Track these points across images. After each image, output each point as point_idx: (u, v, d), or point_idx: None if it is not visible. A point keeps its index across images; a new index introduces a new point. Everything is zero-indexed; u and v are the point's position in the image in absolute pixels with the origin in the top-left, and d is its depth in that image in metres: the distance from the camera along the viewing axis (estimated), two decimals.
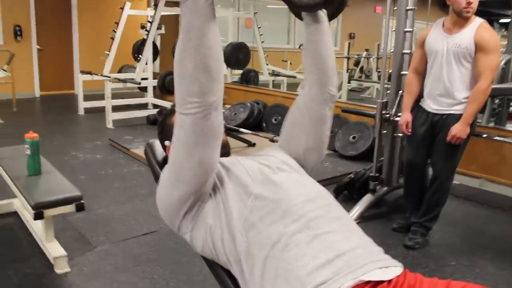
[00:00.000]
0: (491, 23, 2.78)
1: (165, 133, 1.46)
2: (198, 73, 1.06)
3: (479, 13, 2.78)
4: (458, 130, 2.73)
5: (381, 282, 1.03)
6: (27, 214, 2.89)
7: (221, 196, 1.20)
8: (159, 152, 1.56)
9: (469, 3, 2.68)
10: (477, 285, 1.05)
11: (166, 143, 1.45)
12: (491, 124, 5.12)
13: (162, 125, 1.52)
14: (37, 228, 2.80)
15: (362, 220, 3.29)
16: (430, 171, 3.10)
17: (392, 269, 1.08)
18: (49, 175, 2.81)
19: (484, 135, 3.62)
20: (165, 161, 1.45)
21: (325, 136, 1.44)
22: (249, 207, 1.15)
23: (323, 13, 1.35)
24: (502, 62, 4.33)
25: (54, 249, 2.60)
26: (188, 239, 1.26)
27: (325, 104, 1.40)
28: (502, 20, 11.79)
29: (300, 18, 1.41)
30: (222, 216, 1.17)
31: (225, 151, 1.41)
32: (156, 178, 1.53)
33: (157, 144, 1.57)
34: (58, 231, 2.81)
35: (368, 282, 1.02)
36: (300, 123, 1.42)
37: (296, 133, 1.43)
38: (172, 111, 1.45)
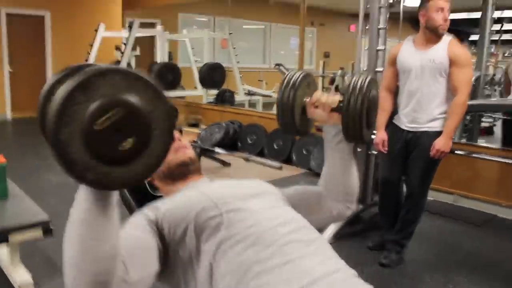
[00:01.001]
0: (460, 40, 2.84)
1: None
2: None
3: (448, 31, 2.83)
4: (442, 144, 2.75)
5: None
6: None
7: (189, 238, 1.11)
8: None
9: (445, 20, 2.73)
10: None
11: None
12: (463, 140, 5.21)
13: None
14: (2, 253, 2.70)
15: (337, 238, 3.27)
16: (405, 188, 3.11)
17: None
18: (16, 199, 2.71)
19: (460, 152, 3.67)
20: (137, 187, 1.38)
21: None
22: (219, 239, 1.09)
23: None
24: (473, 79, 4.42)
25: (19, 275, 2.50)
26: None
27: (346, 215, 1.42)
28: (471, 39, 12.10)
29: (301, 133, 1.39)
30: (193, 260, 1.10)
31: (192, 169, 1.36)
32: (124, 203, 1.48)
33: None
34: (26, 257, 2.71)
35: None
36: (323, 212, 1.39)
37: (313, 211, 1.37)
38: None
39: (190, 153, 1.37)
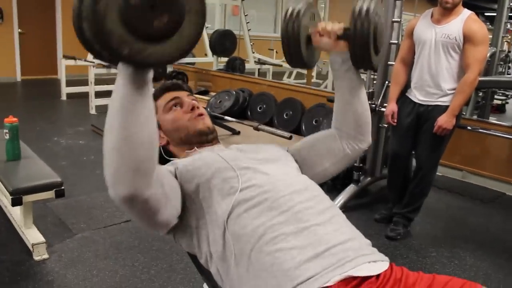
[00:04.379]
0: (476, 16, 2.78)
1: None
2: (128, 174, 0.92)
3: (464, 5, 2.77)
4: (445, 121, 2.73)
5: (369, 277, 1.01)
6: (5, 200, 2.83)
7: (204, 195, 1.13)
8: None
9: None
10: (461, 280, 1.04)
11: None
12: (475, 117, 5.17)
13: None
14: (15, 214, 2.74)
15: (345, 210, 3.29)
16: (414, 162, 3.11)
17: (379, 263, 1.06)
18: (29, 160, 2.75)
19: (469, 128, 3.64)
20: None
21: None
22: (234, 201, 1.09)
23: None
24: (488, 55, 4.36)
25: (32, 236, 2.55)
26: (173, 238, 1.22)
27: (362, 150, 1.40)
28: (487, 14, 11.87)
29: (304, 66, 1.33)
30: (206, 215, 1.11)
31: (211, 138, 1.36)
32: None
33: None
34: (37, 218, 2.76)
35: (357, 277, 1.00)
36: (335, 154, 1.36)
37: (325, 158, 1.36)
38: (156, 96, 1.40)
39: (208, 122, 1.37)
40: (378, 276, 1.03)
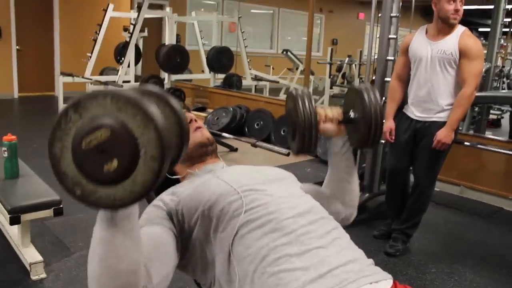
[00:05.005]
0: (470, 31, 2.82)
1: None
2: None
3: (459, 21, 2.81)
4: (444, 135, 2.75)
5: None
6: (2, 219, 2.82)
7: (207, 222, 1.12)
8: None
9: (456, 11, 2.70)
10: None
11: None
12: (471, 132, 5.20)
13: None
14: (13, 233, 2.73)
15: (343, 227, 3.27)
16: (412, 178, 3.12)
17: (382, 283, 1.06)
18: (27, 178, 2.74)
19: (467, 143, 3.66)
20: None
21: None
22: (239, 223, 1.09)
23: None
24: (483, 70, 4.40)
25: (30, 255, 2.54)
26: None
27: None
28: (481, 29, 12.00)
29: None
30: (211, 241, 1.11)
31: (211, 150, 1.37)
32: None
33: None
34: (35, 236, 2.74)
35: None
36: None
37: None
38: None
39: (206, 133, 1.38)
40: None
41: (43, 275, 2.48)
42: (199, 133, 1.36)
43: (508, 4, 5.40)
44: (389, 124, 3.01)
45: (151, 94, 0.92)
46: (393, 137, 2.99)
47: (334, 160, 1.40)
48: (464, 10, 2.77)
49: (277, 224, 1.10)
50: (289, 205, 1.17)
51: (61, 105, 7.09)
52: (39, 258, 2.51)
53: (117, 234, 0.85)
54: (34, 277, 2.46)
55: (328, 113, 1.33)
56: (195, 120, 1.38)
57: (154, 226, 1.09)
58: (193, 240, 1.13)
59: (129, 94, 0.77)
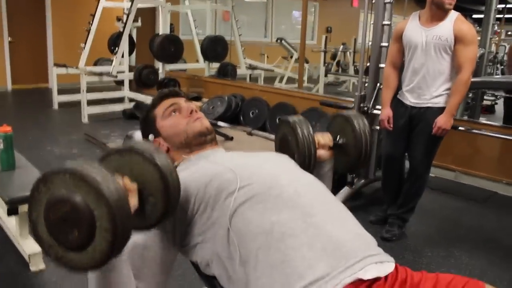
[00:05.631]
0: (464, 17, 2.82)
1: (148, 127, 1.42)
2: None
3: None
4: (444, 121, 2.76)
5: (377, 279, 1.02)
6: (0, 210, 2.82)
7: (205, 203, 1.13)
8: None
9: None
10: (464, 278, 1.06)
11: (150, 137, 1.40)
12: (465, 118, 5.22)
13: (144, 119, 1.45)
14: (11, 224, 2.73)
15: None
16: (407, 163, 3.14)
17: (386, 264, 1.07)
18: (24, 170, 2.74)
19: (462, 128, 3.67)
20: None
21: None
22: (235, 199, 1.09)
23: None
24: (477, 56, 4.40)
25: (29, 246, 2.54)
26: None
27: None
28: (475, 16, 12.00)
29: None
30: (209, 220, 1.11)
31: (209, 138, 1.37)
32: None
33: (137, 135, 1.53)
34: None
35: (365, 280, 1.00)
36: None
37: None
38: (154, 104, 1.42)
39: (206, 123, 1.38)
40: (386, 277, 1.04)
41: (42, 266, 2.49)
42: (199, 123, 1.37)
43: None
44: (386, 111, 3.01)
45: (133, 152, 0.99)
46: (391, 125, 3.00)
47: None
48: None
49: (276, 198, 1.10)
50: (288, 178, 1.18)
51: (55, 97, 7.06)
52: (38, 249, 2.51)
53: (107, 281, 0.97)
54: (33, 269, 2.47)
55: (321, 140, 1.46)
56: (196, 111, 1.39)
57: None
58: (192, 224, 1.14)
59: (87, 172, 0.85)
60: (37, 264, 2.48)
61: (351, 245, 1.05)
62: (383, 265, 1.06)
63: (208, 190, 1.13)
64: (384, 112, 3.02)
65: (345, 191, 3.49)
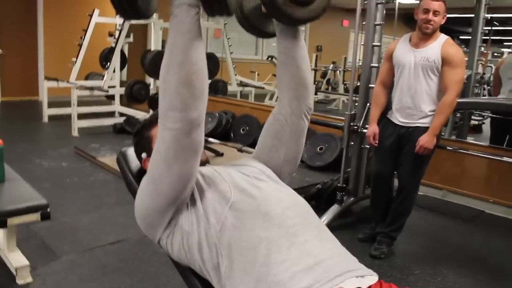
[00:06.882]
0: (451, 39, 2.89)
1: (142, 145, 1.43)
2: (181, 88, 1.08)
3: (440, 29, 2.87)
4: (426, 140, 2.81)
5: None
6: None
7: (198, 203, 1.19)
8: (134, 162, 1.52)
9: (428, 21, 2.77)
10: None
11: (143, 155, 1.42)
12: (453, 137, 5.28)
13: (139, 136, 1.47)
14: None
15: (329, 230, 3.31)
16: (396, 182, 3.17)
17: (368, 277, 1.11)
18: (13, 183, 2.72)
19: (450, 148, 3.73)
20: (140, 173, 1.42)
21: (302, 148, 1.45)
22: (228, 212, 1.15)
23: (300, 27, 1.35)
24: (464, 77, 4.48)
25: (16, 259, 2.52)
26: (164, 245, 1.25)
27: (304, 117, 1.42)
28: (462, 37, 12.20)
29: (262, 35, 1.44)
30: (199, 222, 1.17)
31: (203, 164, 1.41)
32: (130, 188, 1.51)
33: (130, 153, 1.53)
34: (20, 241, 2.72)
35: None
36: (280, 136, 1.41)
37: (276, 146, 1.42)
38: (150, 122, 1.43)
39: (203, 156, 1.41)
40: None
41: (29, 280, 2.47)
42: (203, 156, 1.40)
43: (488, 13, 5.50)
44: (372, 128, 3.06)
45: None
46: (377, 142, 3.05)
47: (277, 46, 1.40)
48: (446, 18, 2.85)
49: (265, 216, 1.15)
50: (277, 197, 1.23)
51: (45, 110, 7.04)
52: (25, 262, 2.50)
53: (198, 37, 1.15)
54: (20, 282, 2.44)
55: None
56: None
57: None
58: (183, 216, 1.20)
59: None
60: (24, 277, 2.46)
61: (331, 262, 1.10)
62: (364, 278, 1.10)
63: (207, 192, 1.21)
64: (370, 128, 3.07)
65: (334, 208, 3.50)
